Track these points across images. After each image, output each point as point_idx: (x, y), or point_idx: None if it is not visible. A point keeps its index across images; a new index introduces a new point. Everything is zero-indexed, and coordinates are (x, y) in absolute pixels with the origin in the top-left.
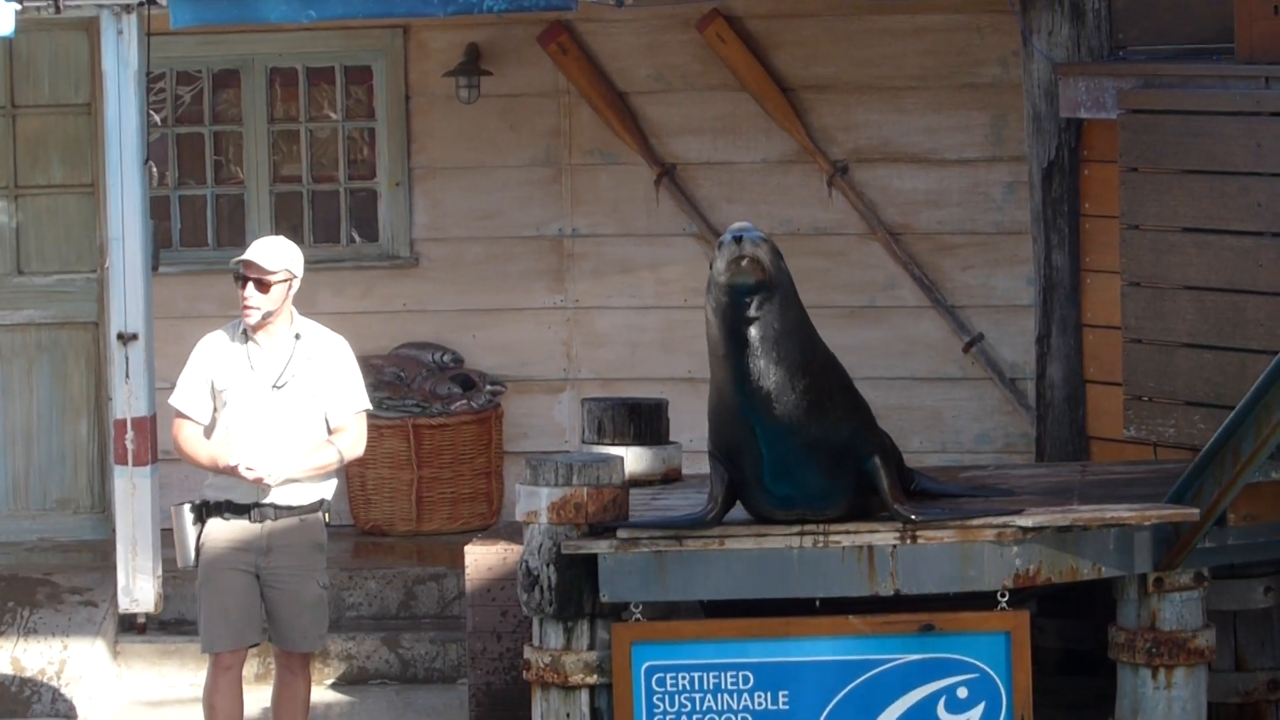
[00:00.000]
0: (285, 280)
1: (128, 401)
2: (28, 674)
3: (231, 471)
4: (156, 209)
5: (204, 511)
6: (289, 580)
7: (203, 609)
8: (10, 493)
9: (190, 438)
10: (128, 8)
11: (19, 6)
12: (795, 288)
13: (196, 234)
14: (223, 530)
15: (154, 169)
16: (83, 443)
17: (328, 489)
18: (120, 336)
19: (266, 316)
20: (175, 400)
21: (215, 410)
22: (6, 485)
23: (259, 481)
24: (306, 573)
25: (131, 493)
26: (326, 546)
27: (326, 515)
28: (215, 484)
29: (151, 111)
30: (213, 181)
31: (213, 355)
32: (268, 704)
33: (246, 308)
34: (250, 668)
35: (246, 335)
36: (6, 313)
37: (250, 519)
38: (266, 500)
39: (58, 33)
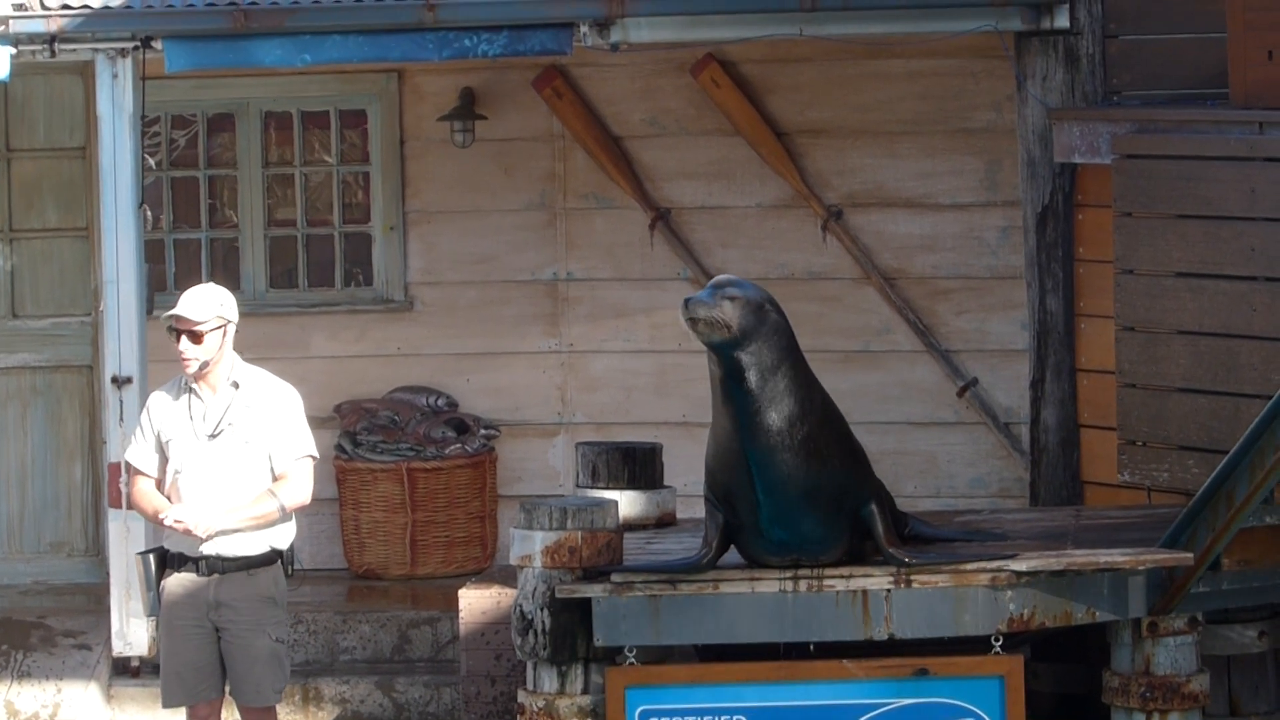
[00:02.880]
0: (219, 327)
1: (122, 445)
2: (21, 717)
3: (167, 526)
4: (151, 252)
5: (165, 560)
6: (239, 634)
7: (160, 663)
8: (4, 535)
9: (140, 491)
10: (123, 52)
11: (14, 50)
12: (787, 337)
13: (191, 277)
14: (176, 583)
15: (149, 212)
16: (77, 486)
17: (282, 538)
18: (115, 380)
19: (205, 366)
20: (128, 455)
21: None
22: (1, 528)
23: (188, 534)
24: (257, 627)
25: (125, 536)
26: (283, 599)
27: (290, 567)
28: (170, 537)
29: (146, 155)
30: (207, 225)
31: (158, 409)
32: None
33: (184, 360)
34: (233, 713)
35: (188, 386)
36: (1, 356)
37: (198, 572)
38: (212, 552)
39: (53, 77)
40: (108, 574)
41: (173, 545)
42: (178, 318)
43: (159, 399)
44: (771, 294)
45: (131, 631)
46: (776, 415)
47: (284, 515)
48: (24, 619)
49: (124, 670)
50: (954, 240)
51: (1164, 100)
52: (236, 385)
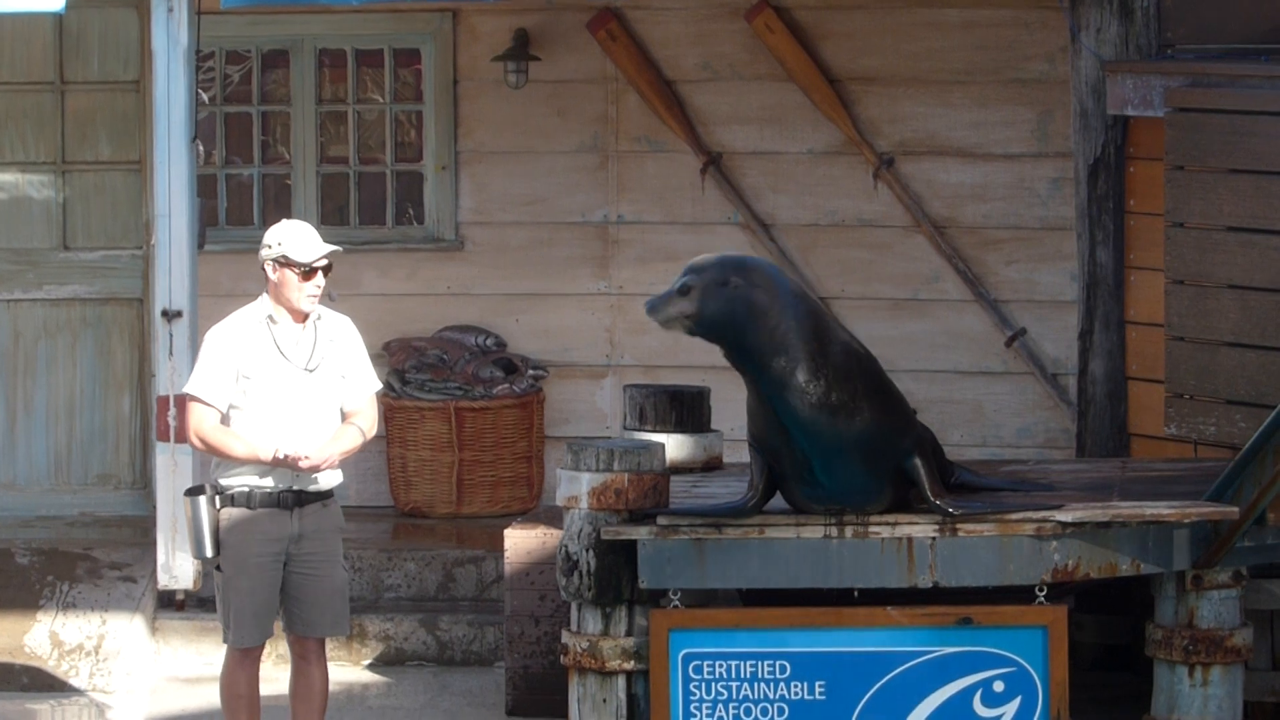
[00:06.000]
0: None
1: (170, 378)
2: (66, 648)
3: (281, 462)
4: (203, 187)
5: (219, 500)
6: (320, 566)
7: (231, 603)
8: (52, 467)
9: (219, 427)
10: None
11: None
12: (765, 302)
13: (242, 213)
14: (251, 521)
15: (201, 147)
16: (125, 419)
17: (341, 474)
18: (165, 313)
19: None
20: (196, 388)
21: (233, 399)
22: (49, 460)
23: (315, 469)
24: (334, 558)
25: (173, 469)
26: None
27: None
28: (241, 472)
29: (200, 90)
30: (259, 161)
31: (235, 343)
32: (280, 689)
33: (311, 298)
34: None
35: (270, 320)
36: (52, 288)
37: (283, 506)
38: (298, 485)
39: (108, 10)
40: (154, 507)
41: (243, 482)
42: (326, 256)
43: (234, 334)
44: (747, 259)
45: (177, 565)
46: (787, 377)
47: (362, 447)
48: (70, 550)
49: (169, 603)
50: (1005, 190)
51: (1217, 54)
52: (320, 319)
